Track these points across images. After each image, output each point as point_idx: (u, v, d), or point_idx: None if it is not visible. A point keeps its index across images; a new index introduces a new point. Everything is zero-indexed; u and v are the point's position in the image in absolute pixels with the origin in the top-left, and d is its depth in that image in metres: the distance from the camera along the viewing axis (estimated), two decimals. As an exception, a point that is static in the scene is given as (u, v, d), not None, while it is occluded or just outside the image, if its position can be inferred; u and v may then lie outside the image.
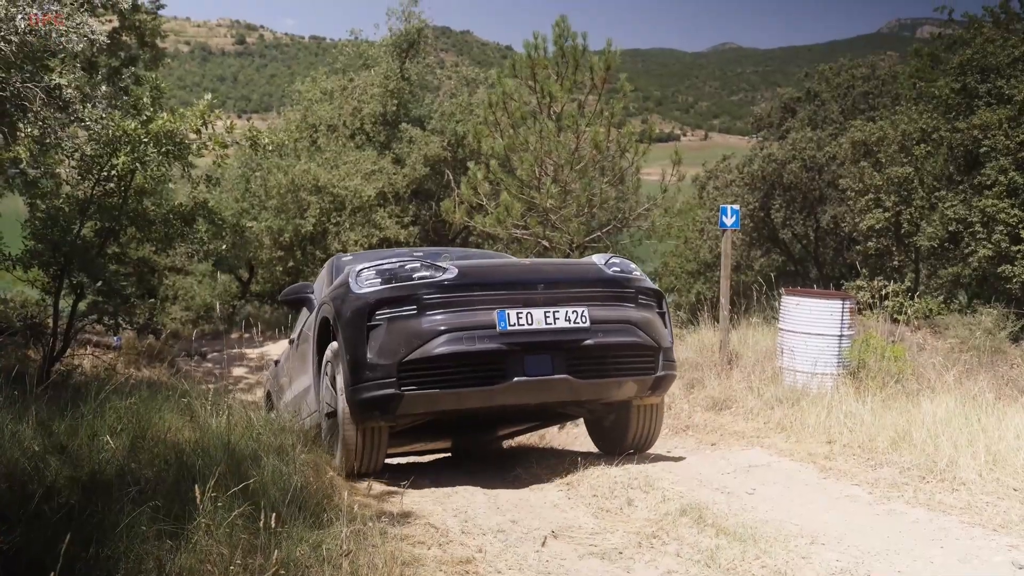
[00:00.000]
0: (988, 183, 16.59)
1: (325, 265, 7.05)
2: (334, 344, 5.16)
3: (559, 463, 6.13)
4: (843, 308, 7.86)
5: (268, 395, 8.29)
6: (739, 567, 3.82)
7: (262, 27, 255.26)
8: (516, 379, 4.76)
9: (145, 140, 7.96)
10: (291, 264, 22.26)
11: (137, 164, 8.18)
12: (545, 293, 4.97)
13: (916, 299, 15.72)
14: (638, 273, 5.55)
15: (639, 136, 12.58)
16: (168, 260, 21.36)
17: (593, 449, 7.00)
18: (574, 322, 4.89)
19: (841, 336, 7.87)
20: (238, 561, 3.07)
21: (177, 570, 3.04)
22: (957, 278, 17.41)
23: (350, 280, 5.06)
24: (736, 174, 24.08)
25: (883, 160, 18.74)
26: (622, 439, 5.83)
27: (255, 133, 8.59)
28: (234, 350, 17.89)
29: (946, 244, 17.46)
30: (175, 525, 3.28)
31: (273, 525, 3.39)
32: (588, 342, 4.90)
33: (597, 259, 5.59)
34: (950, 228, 17.09)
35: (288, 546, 3.35)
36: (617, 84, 12.28)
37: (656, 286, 5.65)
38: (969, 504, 4.79)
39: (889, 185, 18.32)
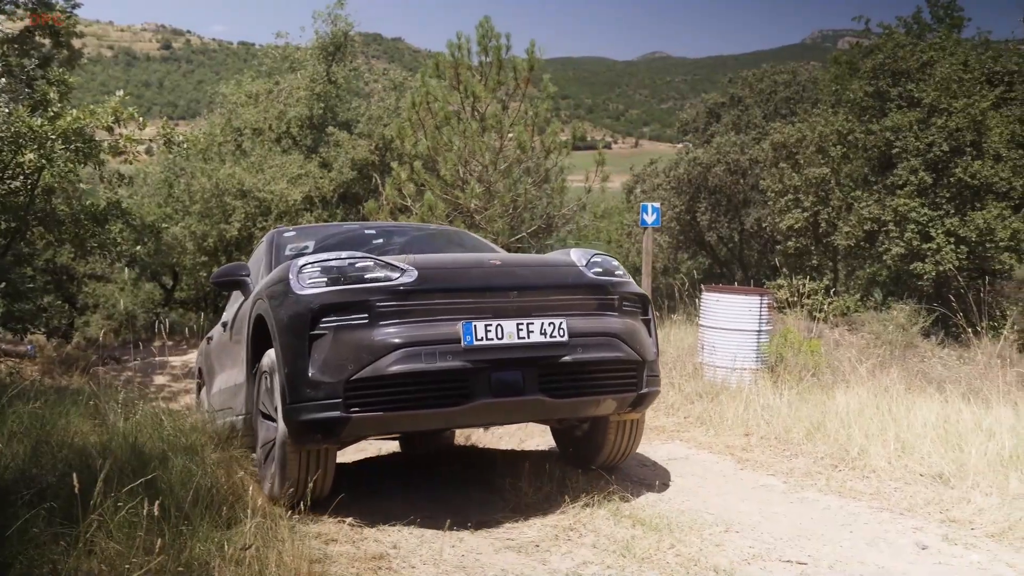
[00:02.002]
0: (900, 183, 17.16)
1: (264, 240, 6.16)
2: (271, 352, 4.46)
3: (482, 462, 6.12)
4: (761, 304, 8.01)
5: (200, 372, 7.69)
6: (654, 556, 3.85)
7: (189, 32, 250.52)
8: (482, 400, 4.13)
9: (52, 137, 7.65)
10: (216, 269, 21.82)
11: (44, 162, 7.86)
12: (518, 301, 4.33)
13: (834, 296, 16.13)
14: (621, 273, 4.93)
15: (564, 143, 12.66)
16: (88, 267, 20.79)
17: (515, 447, 7.00)
18: (550, 336, 4.27)
19: (759, 332, 8.02)
20: (134, 560, 2.96)
21: (71, 571, 2.93)
22: (873, 277, 17.95)
23: (291, 276, 4.33)
24: (663, 178, 24.44)
25: (802, 162, 19.23)
26: (595, 454, 5.28)
27: (168, 130, 8.34)
28: (157, 358, 17.44)
29: (862, 243, 17.99)
30: (72, 527, 3.17)
31: (177, 523, 3.30)
32: (566, 359, 4.30)
33: (576, 257, 4.89)
34: (865, 227, 17.62)
35: (192, 544, 3.26)
36: (541, 85, 12.33)
37: (641, 289, 5.04)
38: (878, 490, 4.93)
39: (807, 186, 18.81)
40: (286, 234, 6.07)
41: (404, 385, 4.05)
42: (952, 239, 16.72)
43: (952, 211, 17.06)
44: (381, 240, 6.07)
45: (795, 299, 10.69)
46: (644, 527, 4.20)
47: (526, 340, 4.21)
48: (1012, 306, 14.94)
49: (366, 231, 6.35)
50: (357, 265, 4.33)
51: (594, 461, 5.27)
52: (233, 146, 22.72)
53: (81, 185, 9.81)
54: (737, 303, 8.07)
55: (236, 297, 6.19)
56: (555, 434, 5.82)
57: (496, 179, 11.93)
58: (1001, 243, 16.67)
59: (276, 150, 21.88)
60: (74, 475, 3.10)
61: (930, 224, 16.83)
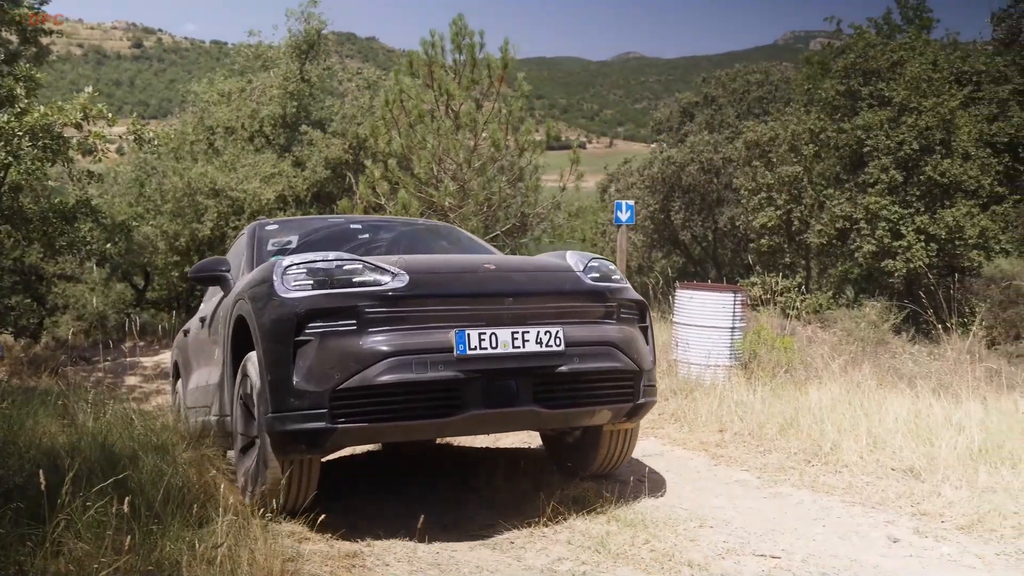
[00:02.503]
0: (871, 181, 17.37)
1: (245, 232, 5.84)
2: (252, 355, 4.29)
3: (458, 459, 6.11)
4: (734, 301, 8.06)
5: (176, 365, 7.38)
6: (628, 552, 3.85)
7: (160, 31, 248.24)
8: (474, 411, 3.97)
9: (19, 134, 7.49)
10: (188, 269, 21.56)
11: (11, 159, 7.70)
12: (514, 308, 4.16)
13: (806, 294, 16.29)
14: (618, 278, 4.76)
15: (539, 142, 12.68)
16: (57, 267, 20.55)
17: (490, 445, 6.99)
18: (546, 345, 4.10)
19: (733, 328, 8.06)
20: (103, 559, 2.92)
21: (38, 572, 2.89)
22: (845, 275, 18.15)
23: (274, 277, 4.12)
24: (637, 177, 24.56)
25: (775, 160, 19.40)
26: (588, 462, 5.12)
27: (139, 127, 8.21)
28: (128, 359, 17.24)
29: (835, 241, 18.17)
30: (39, 527, 3.12)
31: (147, 522, 3.26)
32: (562, 369, 4.13)
33: (572, 260, 4.72)
34: (837, 225, 17.80)
35: (163, 543, 3.22)
36: (515, 84, 12.34)
37: (639, 295, 4.88)
38: (850, 484, 4.97)
39: (780, 184, 18.97)
40: (268, 227, 5.79)
41: (393, 395, 3.88)
42: (922, 237, 16.94)
43: (922, 209, 17.29)
44: (367, 235, 5.86)
45: (768, 296, 10.77)
46: (619, 523, 4.22)
47: (521, 349, 4.06)
48: (981, 303, 15.12)
49: (352, 225, 6.09)
50: (345, 267, 4.13)
51: (587, 469, 5.12)
52: (205, 145, 22.51)
53: (49, 183, 9.66)
54: (711, 300, 8.12)
55: (215, 291, 5.93)
56: (545, 440, 5.67)
57: (470, 177, 11.92)
58: (970, 240, 16.91)
59: (249, 149, 21.69)
60: (41, 473, 3.04)
61: (901, 222, 17.04)
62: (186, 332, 7.01)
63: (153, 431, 4.69)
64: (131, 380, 15.63)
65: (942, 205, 17.46)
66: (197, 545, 3.23)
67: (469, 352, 3.95)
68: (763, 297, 10.81)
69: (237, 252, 5.81)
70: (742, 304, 8.21)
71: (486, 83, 12.26)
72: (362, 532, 4.11)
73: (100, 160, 8.93)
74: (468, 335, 3.97)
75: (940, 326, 9.82)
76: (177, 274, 22.26)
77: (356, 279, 4.07)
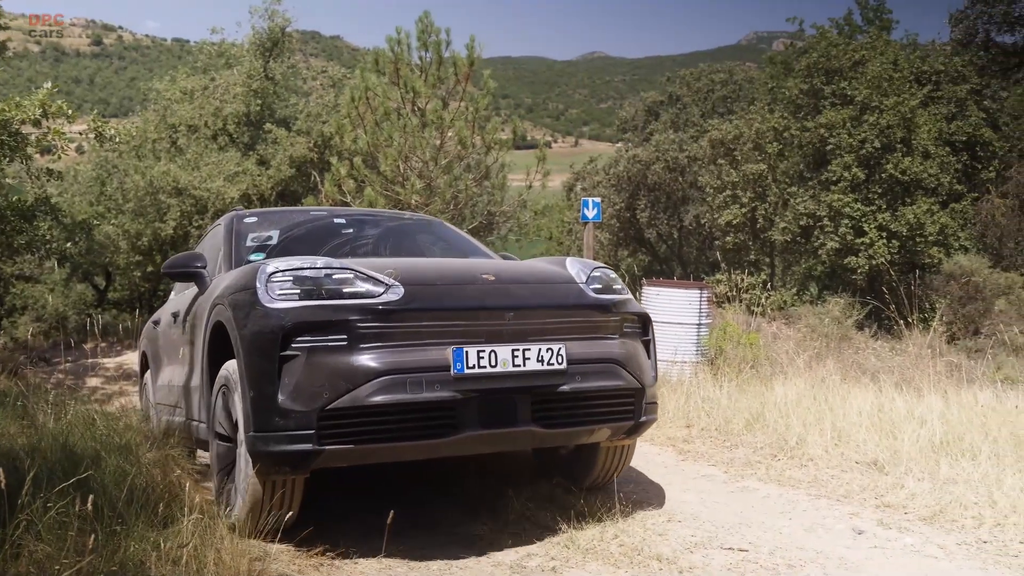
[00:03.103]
0: (834, 179, 17.61)
1: (221, 224, 5.46)
2: (232, 365, 4.00)
3: (430, 460, 6.08)
4: (700, 297, 8.12)
5: (144, 356, 7.02)
6: (597, 547, 3.87)
7: (121, 28, 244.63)
8: (470, 432, 3.74)
9: (-25, 130, 7.36)
10: (150, 269, 21.29)
11: (-34, 156, 7.56)
12: (514, 324, 3.93)
13: (771, 291, 16.47)
14: (619, 288, 4.54)
15: (506, 140, 12.68)
16: (15, 267, 20.20)
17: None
18: (548, 363, 3.88)
19: (699, 325, 8.12)
20: (65, 560, 2.87)
21: (-1, 575, 2.84)
22: (809, 272, 18.40)
23: (258, 284, 3.84)
24: (603, 175, 24.67)
25: (739, 158, 19.60)
26: (583, 476, 4.89)
27: (99, 123, 8.06)
28: (89, 360, 16.97)
29: (798, 239, 18.40)
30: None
31: (110, 523, 3.21)
32: (563, 388, 3.92)
33: (574, 270, 4.49)
34: (801, 223, 18.03)
35: (127, 544, 3.18)
36: (481, 82, 12.34)
37: (641, 308, 4.68)
38: (816, 478, 5.04)
39: (745, 182, 19.16)
40: (247, 220, 5.41)
41: (385, 416, 3.64)
42: (884, 234, 17.20)
43: (884, 206, 17.56)
44: (352, 230, 5.58)
45: (734, 293, 10.86)
46: (588, 518, 4.22)
47: (521, 368, 3.83)
48: (941, 299, 15.38)
49: (335, 220, 5.76)
50: (335, 276, 3.86)
51: (581, 483, 4.89)
52: (168, 143, 22.22)
53: (7, 181, 9.47)
54: (677, 296, 8.17)
55: (188, 286, 5.57)
56: (536, 451, 5.38)
57: (437, 175, 11.89)
58: (930, 237, 17.19)
59: (212, 147, 21.44)
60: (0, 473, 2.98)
61: (863, 219, 17.29)
62: (156, 323, 6.65)
63: (116, 431, 4.63)
64: (93, 381, 15.37)
65: (903, 202, 17.74)
66: (162, 545, 3.19)
67: (467, 371, 3.73)
68: (728, 294, 10.90)
69: (213, 246, 5.47)
70: (708, 301, 8.27)
71: (452, 81, 12.24)
72: (331, 530, 4.08)
73: (59, 158, 8.74)
74: (466, 353, 3.75)
75: (902, 322, 9.97)
76: (139, 274, 21.95)
77: (347, 290, 3.82)
